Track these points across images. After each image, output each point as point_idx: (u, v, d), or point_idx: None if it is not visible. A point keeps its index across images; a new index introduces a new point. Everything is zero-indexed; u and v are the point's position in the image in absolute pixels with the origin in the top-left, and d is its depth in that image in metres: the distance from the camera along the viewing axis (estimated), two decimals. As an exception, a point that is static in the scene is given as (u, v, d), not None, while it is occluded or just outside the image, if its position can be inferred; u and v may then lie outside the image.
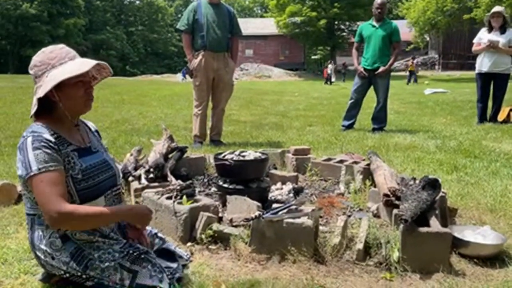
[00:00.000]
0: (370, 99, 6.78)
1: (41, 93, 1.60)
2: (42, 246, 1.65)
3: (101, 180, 1.74)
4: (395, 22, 6.36)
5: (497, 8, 6.36)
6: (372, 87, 6.26)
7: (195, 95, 5.11)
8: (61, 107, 1.68)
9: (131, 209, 1.82)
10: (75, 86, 1.66)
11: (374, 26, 6.16)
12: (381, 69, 6.02)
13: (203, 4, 4.98)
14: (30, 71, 1.68)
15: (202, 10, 4.93)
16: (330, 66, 28.25)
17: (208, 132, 5.31)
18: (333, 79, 27.39)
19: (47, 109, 1.68)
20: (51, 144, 1.59)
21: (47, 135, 1.61)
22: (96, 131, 1.96)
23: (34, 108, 1.65)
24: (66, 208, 1.54)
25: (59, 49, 1.69)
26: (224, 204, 2.65)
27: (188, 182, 2.69)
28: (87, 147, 1.78)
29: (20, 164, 1.58)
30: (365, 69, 6.15)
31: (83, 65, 1.65)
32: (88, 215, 1.59)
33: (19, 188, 3.02)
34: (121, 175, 1.91)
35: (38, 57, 1.67)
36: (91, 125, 1.95)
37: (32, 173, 1.54)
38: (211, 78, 5.03)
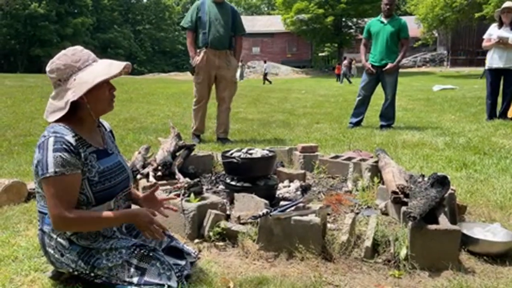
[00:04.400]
0: (378, 96, 6.74)
1: (73, 96, 1.61)
2: (52, 243, 1.68)
3: (116, 183, 1.76)
4: (404, 19, 6.31)
5: (508, 4, 6.26)
6: (380, 84, 6.23)
7: (195, 92, 5.19)
8: (88, 108, 1.69)
9: (132, 216, 1.73)
10: (102, 87, 1.68)
11: (382, 22, 6.11)
12: (389, 65, 5.97)
13: (207, 3, 5.03)
14: (51, 75, 1.67)
15: (205, 9, 4.99)
16: (265, 65, 28.05)
17: (215, 130, 5.36)
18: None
19: (71, 111, 1.67)
20: (71, 147, 1.60)
21: (69, 137, 1.61)
22: (111, 131, 1.97)
23: (63, 112, 1.63)
24: (70, 215, 1.58)
25: (80, 52, 1.69)
26: (231, 202, 2.65)
27: (195, 180, 2.69)
28: (104, 149, 1.79)
29: (37, 163, 1.60)
30: (373, 65, 6.11)
31: (113, 67, 1.67)
32: (90, 222, 1.64)
33: (29, 186, 3.05)
34: (132, 177, 1.92)
35: (61, 60, 1.66)
36: (106, 125, 1.96)
37: (48, 175, 1.56)
38: (213, 76, 5.08)
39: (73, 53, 1.68)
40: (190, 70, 5.13)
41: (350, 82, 23.86)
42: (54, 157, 1.57)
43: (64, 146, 1.59)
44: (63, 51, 1.70)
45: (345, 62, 27.01)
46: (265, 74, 26.42)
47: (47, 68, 1.67)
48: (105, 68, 1.66)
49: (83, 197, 1.66)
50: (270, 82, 25.08)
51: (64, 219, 1.57)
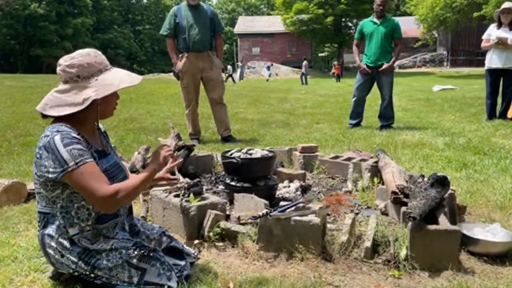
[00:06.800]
0: (378, 97, 6.74)
1: (96, 95, 1.64)
2: (53, 244, 1.68)
3: (117, 182, 1.75)
4: (396, 19, 6.32)
5: (507, 4, 6.26)
6: (375, 84, 6.23)
7: (183, 97, 5.24)
8: (95, 110, 1.71)
9: (153, 170, 1.74)
10: (113, 94, 1.73)
11: (375, 23, 6.12)
12: (385, 65, 5.98)
13: (183, 7, 5.09)
14: (71, 69, 1.65)
15: (182, 13, 5.04)
16: (229, 67, 28.80)
17: (217, 131, 5.39)
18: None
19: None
20: (80, 140, 1.63)
21: (75, 134, 1.63)
22: (105, 131, 1.98)
23: (77, 108, 1.63)
24: (112, 189, 1.59)
25: (101, 55, 1.74)
26: (231, 202, 2.65)
27: (195, 180, 2.69)
28: (103, 149, 1.81)
29: (51, 163, 1.58)
30: (368, 66, 6.11)
31: (133, 77, 1.75)
32: (130, 188, 1.64)
33: (29, 186, 3.05)
34: (129, 176, 1.92)
35: (85, 58, 1.68)
36: (100, 125, 1.96)
37: (70, 169, 1.56)
38: (198, 79, 5.13)
39: (96, 55, 1.72)
40: (175, 75, 5.19)
41: (305, 83, 24.68)
42: (68, 151, 1.57)
43: (73, 140, 1.60)
44: (85, 51, 1.71)
45: (305, 63, 27.68)
46: (230, 75, 27.17)
47: (65, 63, 1.66)
48: (127, 76, 1.74)
49: None
50: (234, 82, 25.75)
51: (109, 198, 1.58)
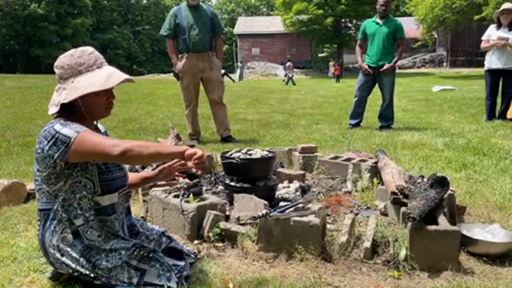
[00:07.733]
0: (378, 97, 6.75)
1: (64, 99, 1.64)
2: (54, 242, 1.68)
3: (117, 177, 1.78)
4: (399, 20, 6.32)
5: (507, 5, 6.27)
6: (377, 85, 6.23)
7: (183, 97, 5.26)
8: (83, 111, 1.71)
9: (182, 152, 1.59)
10: (98, 95, 1.69)
11: (378, 23, 6.13)
12: (387, 66, 5.99)
13: (183, 8, 5.11)
14: (56, 70, 1.70)
15: (182, 14, 5.06)
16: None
17: (217, 131, 5.40)
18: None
19: (68, 111, 1.70)
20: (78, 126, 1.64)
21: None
22: (105, 132, 1.98)
23: (55, 109, 1.67)
24: (125, 140, 1.57)
25: (88, 55, 1.70)
26: (231, 203, 2.65)
27: (195, 181, 2.69)
28: None
29: (54, 147, 1.58)
30: (370, 66, 6.12)
31: (111, 79, 1.66)
32: (146, 144, 1.57)
33: (29, 187, 3.05)
34: (129, 177, 1.93)
35: (67, 59, 1.68)
36: (100, 126, 1.97)
37: (73, 138, 1.57)
38: (198, 79, 5.14)
39: (80, 55, 1.69)
40: (175, 76, 5.20)
41: (287, 84, 24.65)
42: (67, 126, 1.60)
43: (72, 123, 1.63)
44: (73, 50, 1.72)
45: (289, 64, 27.26)
46: (225, 73, 27.05)
47: (55, 63, 1.71)
48: (102, 79, 1.66)
49: (90, 184, 1.68)
50: (234, 81, 25.68)
51: (121, 146, 1.53)
